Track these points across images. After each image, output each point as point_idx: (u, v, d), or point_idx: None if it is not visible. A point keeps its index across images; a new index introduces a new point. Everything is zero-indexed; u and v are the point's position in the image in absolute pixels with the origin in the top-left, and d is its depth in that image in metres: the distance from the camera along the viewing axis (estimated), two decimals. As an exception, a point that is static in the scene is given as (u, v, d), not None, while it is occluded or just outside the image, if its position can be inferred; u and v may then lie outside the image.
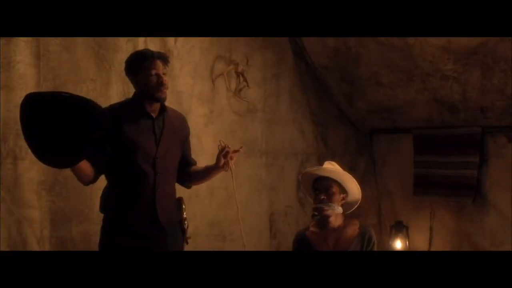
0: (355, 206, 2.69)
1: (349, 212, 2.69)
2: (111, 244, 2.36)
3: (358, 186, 2.64)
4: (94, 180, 2.32)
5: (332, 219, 2.58)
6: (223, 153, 2.39)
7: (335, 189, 2.57)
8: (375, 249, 2.59)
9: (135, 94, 2.41)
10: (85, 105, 2.07)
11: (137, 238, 2.34)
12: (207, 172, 2.52)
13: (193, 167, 2.58)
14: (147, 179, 2.33)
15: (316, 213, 2.58)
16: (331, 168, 2.65)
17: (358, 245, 2.55)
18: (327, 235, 2.59)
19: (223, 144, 2.40)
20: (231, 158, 2.40)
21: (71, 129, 2.02)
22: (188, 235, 2.56)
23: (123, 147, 2.28)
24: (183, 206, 2.56)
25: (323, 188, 2.56)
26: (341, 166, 2.71)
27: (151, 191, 2.34)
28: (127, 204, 2.35)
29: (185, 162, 2.54)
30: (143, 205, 2.34)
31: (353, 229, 2.59)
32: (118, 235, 2.34)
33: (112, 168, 2.33)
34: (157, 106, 2.39)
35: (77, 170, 2.18)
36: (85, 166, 2.19)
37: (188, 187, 2.63)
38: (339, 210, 2.58)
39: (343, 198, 2.61)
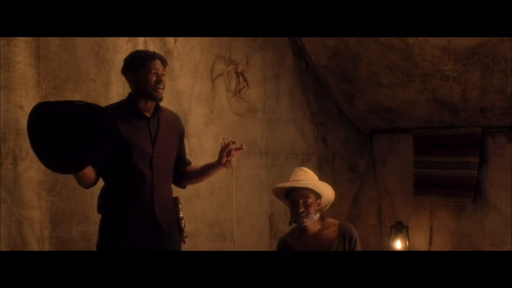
0: (328, 206, 2.71)
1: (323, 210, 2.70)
2: (109, 245, 2.36)
3: (332, 190, 2.67)
4: (95, 183, 2.34)
5: (310, 226, 2.59)
6: (227, 150, 2.40)
7: (311, 199, 2.58)
8: (359, 246, 2.59)
9: (129, 95, 2.42)
10: (96, 112, 2.09)
11: (135, 238, 2.34)
12: (207, 170, 2.53)
13: (189, 167, 2.59)
14: (145, 179, 2.33)
15: (295, 224, 2.60)
16: (305, 176, 2.64)
17: (340, 244, 2.56)
18: (308, 241, 2.61)
19: (226, 142, 2.41)
20: (233, 156, 2.42)
21: (81, 136, 2.03)
22: (185, 234, 2.57)
23: (120, 147, 2.27)
24: (179, 206, 2.57)
25: (300, 199, 2.56)
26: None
27: (148, 190, 2.35)
28: (125, 204, 2.35)
29: (180, 162, 2.54)
30: (141, 205, 2.34)
31: (332, 231, 2.60)
32: (117, 236, 2.34)
33: (109, 169, 2.32)
34: (151, 105, 2.39)
35: (81, 175, 2.19)
36: (88, 170, 2.20)
37: (183, 187, 2.63)
38: (317, 217, 2.60)
39: (318, 204, 2.62)
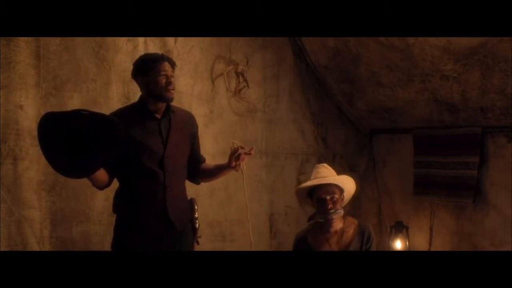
0: (349, 200, 2.71)
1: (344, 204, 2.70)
2: (123, 244, 2.39)
3: (354, 182, 2.65)
4: (109, 184, 2.38)
5: (335, 223, 2.58)
6: (236, 154, 2.42)
7: (338, 194, 2.57)
8: (374, 246, 2.59)
9: (140, 97, 2.45)
10: (104, 121, 2.15)
11: (149, 237, 2.38)
12: (218, 171, 2.57)
13: (203, 164, 2.63)
14: (157, 179, 2.36)
15: (321, 220, 2.58)
16: (328, 173, 2.64)
17: (358, 243, 2.55)
18: (329, 238, 2.59)
19: (236, 146, 2.43)
20: (243, 160, 2.44)
21: (91, 144, 2.09)
22: (199, 234, 2.59)
23: (131, 149, 2.31)
24: (196, 207, 2.60)
25: (327, 196, 2.55)
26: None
27: (161, 190, 2.38)
28: (139, 204, 2.38)
29: (195, 159, 2.58)
30: (154, 204, 2.38)
31: (353, 229, 2.60)
32: (131, 235, 2.38)
33: (122, 170, 2.36)
34: (162, 106, 2.42)
35: (93, 178, 2.23)
36: (100, 173, 2.24)
37: (197, 183, 2.67)
38: (342, 212, 2.59)
39: (342, 199, 2.62)
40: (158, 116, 2.41)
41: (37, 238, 2.69)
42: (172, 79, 2.38)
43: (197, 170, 2.59)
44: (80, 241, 2.85)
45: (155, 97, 2.38)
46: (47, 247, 2.72)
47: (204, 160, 2.65)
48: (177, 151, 2.44)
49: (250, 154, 2.45)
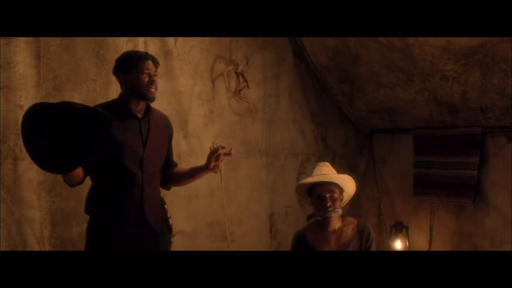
0: (349, 200, 2.71)
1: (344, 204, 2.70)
2: (99, 246, 2.33)
3: (355, 183, 2.66)
4: (82, 182, 2.31)
5: (333, 221, 2.58)
6: (215, 155, 2.40)
7: (337, 193, 2.58)
8: (374, 245, 2.59)
9: (121, 95, 2.41)
10: (95, 114, 2.07)
11: (126, 239, 2.33)
12: (194, 173, 2.53)
13: (176, 169, 2.58)
14: (135, 180, 2.32)
15: (319, 218, 2.58)
16: (329, 171, 2.65)
17: (357, 243, 2.56)
18: (328, 236, 2.60)
19: (216, 146, 2.41)
20: (221, 161, 2.41)
21: (76, 138, 2.02)
22: (173, 233, 2.56)
23: (110, 147, 2.25)
24: (166, 206, 2.55)
25: (326, 194, 2.56)
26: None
27: (138, 191, 2.34)
28: (115, 204, 2.32)
29: (168, 163, 2.53)
30: (131, 205, 2.33)
31: (351, 228, 2.60)
32: (107, 236, 2.32)
33: (99, 169, 2.30)
34: (143, 106, 2.39)
35: (70, 174, 2.18)
36: (77, 169, 2.17)
37: (167, 189, 2.61)
38: (341, 211, 2.59)
39: (341, 199, 2.63)
40: (139, 116, 2.38)
41: (37, 238, 2.69)
42: (155, 78, 2.34)
43: (170, 175, 2.54)
44: (80, 241, 2.84)
45: (136, 96, 2.33)
46: (47, 247, 2.72)
47: (176, 165, 2.60)
48: (155, 153, 2.40)
49: (230, 154, 2.42)
